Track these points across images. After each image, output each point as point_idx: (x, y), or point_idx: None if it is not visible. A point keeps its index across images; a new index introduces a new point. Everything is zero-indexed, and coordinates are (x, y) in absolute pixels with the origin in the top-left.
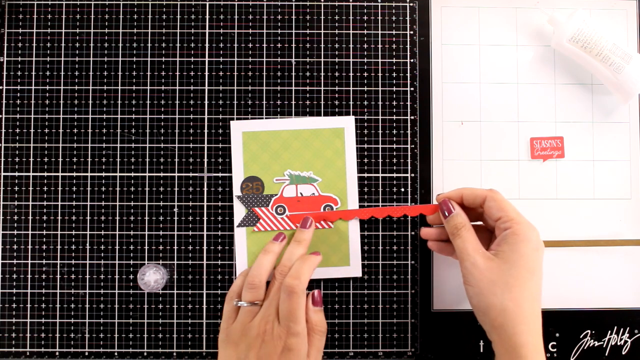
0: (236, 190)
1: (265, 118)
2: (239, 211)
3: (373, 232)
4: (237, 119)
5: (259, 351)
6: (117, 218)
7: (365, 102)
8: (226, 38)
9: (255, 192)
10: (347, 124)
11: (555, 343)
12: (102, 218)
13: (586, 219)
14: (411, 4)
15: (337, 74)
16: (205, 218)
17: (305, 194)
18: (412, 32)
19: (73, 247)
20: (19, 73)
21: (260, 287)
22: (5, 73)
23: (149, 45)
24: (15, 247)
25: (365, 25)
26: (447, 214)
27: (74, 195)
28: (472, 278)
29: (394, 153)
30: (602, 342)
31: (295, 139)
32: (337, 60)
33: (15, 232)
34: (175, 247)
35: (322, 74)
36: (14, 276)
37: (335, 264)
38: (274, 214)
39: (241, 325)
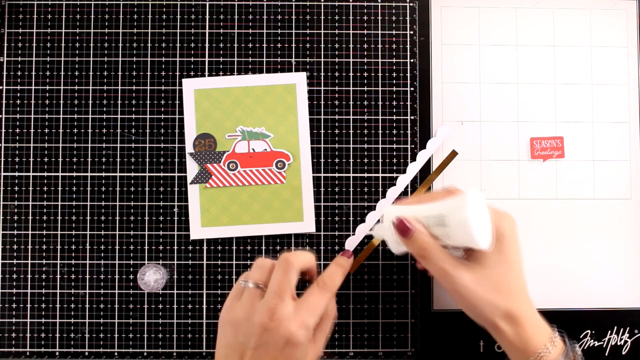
0: (189, 148)
1: (216, 75)
2: (192, 168)
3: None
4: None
5: (261, 338)
6: (117, 218)
7: (365, 102)
8: (226, 38)
9: (208, 148)
10: (298, 79)
11: None
12: (102, 218)
13: (586, 219)
14: (411, 4)
15: (337, 74)
16: None
17: (257, 149)
18: (412, 32)
19: (73, 247)
20: (19, 73)
21: (266, 269)
22: (5, 73)
23: (149, 45)
24: (15, 247)
25: (365, 25)
26: (406, 236)
27: (74, 195)
28: (461, 297)
29: (394, 153)
30: (602, 342)
31: (247, 96)
32: (337, 60)
33: (15, 232)
34: (175, 247)
35: (322, 73)
36: (14, 276)
37: (289, 219)
38: (226, 170)
39: (245, 306)
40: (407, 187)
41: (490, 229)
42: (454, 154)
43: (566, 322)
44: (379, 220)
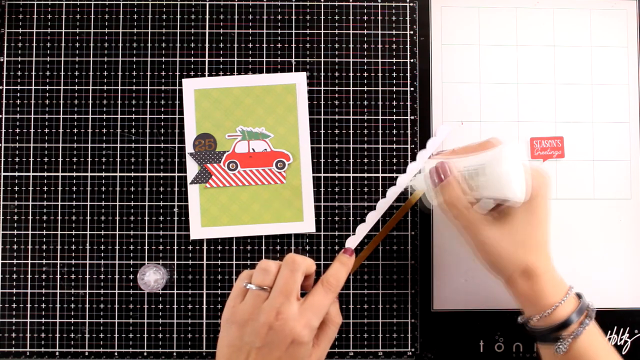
0: (189, 148)
1: (216, 75)
2: (192, 168)
3: (373, 231)
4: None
5: (266, 337)
6: (117, 218)
7: (365, 102)
8: (226, 38)
9: (208, 148)
10: (298, 79)
11: None
12: (102, 218)
13: (586, 219)
14: (411, 4)
15: (337, 74)
16: None
17: (257, 149)
18: (412, 32)
19: (73, 247)
20: (19, 73)
21: (271, 272)
22: (5, 73)
23: (149, 45)
24: (15, 247)
25: (365, 25)
26: (442, 179)
27: (74, 195)
28: (486, 252)
29: (394, 153)
30: None
31: (247, 96)
32: (337, 60)
33: (15, 232)
34: (175, 247)
35: (322, 73)
36: (14, 276)
37: (289, 219)
38: (226, 170)
39: (249, 307)
40: (407, 186)
41: (524, 184)
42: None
43: None
44: (419, 173)
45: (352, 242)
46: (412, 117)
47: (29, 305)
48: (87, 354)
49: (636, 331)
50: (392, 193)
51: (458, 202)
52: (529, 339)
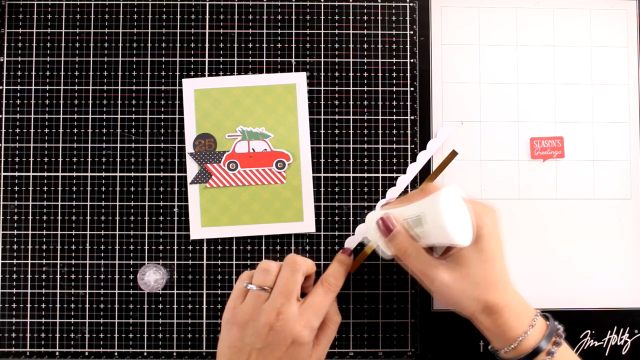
0: (189, 148)
1: (216, 75)
2: (192, 168)
3: None
4: None
5: (267, 338)
6: (117, 218)
7: (365, 102)
8: (226, 38)
9: (208, 148)
10: (298, 79)
11: None
12: (102, 218)
13: (586, 219)
14: (411, 4)
15: (337, 74)
16: None
17: (257, 149)
18: (412, 32)
19: (73, 247)
20: (19, 73)
21: (272, 273)
22: (5, 73)
23: (149, 45)
24: (15, 247)
25: (365, 25)
26: (388, 234)
27: (74, 195)
28: (444, 297)
29: (394, 153)
30: (602, 342)
31: (247, 96)
32: (337, 60)
33: (15, 232)
34: (175, 247)
35: (322, 73)
36: (14, 276)
37: (289, 219)
38: (226, 170)
39: (250, 308)
40: (407, 187)
41: (469, 224)
42: (454, 154)
43: (566, 322)
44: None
45: (351, 242)
46: (412, 117)
47: (29, 305)
48: (87, 354)
49: (636, 331)
50: (392, 193)
51: (408, 252)
52: None
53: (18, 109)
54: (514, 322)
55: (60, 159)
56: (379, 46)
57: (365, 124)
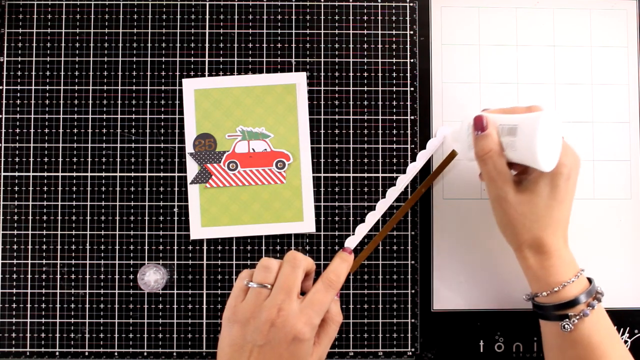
0: (189, 148)
1: (216, 75)
2: (192, 168)
3: (373, 231)
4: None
5: (268, 335)
6: (117, 218)
7: (365, 102)
8: (226, 38)
9: (208, 148)
10: (298, 79)
11: None
12: (102, 218)
13: (586, 219)
14: (411, 4)
15: (337, 74)
16: None
17: (257, 149)
18: (412, 32)
19: (73, 247)
20: (19, 73)
21: (272, 270)
22: (5, 73)
23: (149, 45)
24: (15, 247)
25: (365, 25)
26: (479, 132)
27: (74, 195)
28: (503, 210)
29: (394, 153)
30: None
31: (247, 96)
32: (337, 60)
33: (15, 232)
34: (175, 247)
35: (322, 73)
36: (14, 276)
37: (289, 219)
38: (226, 170)
39: (251, 306)
40: (407, 187)
41: (557, 154)
42: (454, 154)
43: None
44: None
45: (351, 242)
46: (412, 117)
47: (29, 305)
48: (87, 354)
49: (636, 331)
50: (392, 193)
51: (490, 153)
52: (529, 339)
53: (18, 109)
54: (560, 268)
55: (60, 159)
56: (379, 46)
57: (365, 124)
